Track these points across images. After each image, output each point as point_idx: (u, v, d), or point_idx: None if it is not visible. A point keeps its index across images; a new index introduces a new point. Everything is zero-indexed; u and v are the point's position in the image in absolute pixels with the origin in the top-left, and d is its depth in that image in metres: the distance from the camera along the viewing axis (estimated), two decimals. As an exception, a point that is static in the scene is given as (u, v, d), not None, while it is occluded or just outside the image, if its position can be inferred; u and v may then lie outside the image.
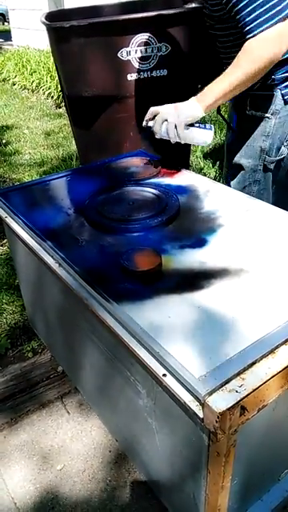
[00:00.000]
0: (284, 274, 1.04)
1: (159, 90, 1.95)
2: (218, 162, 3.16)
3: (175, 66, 1.91)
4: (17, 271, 1.77)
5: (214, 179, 2.91)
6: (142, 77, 1.88)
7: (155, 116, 1.45)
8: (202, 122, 1.46)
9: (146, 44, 1.82)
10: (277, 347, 0.83)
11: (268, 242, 1.16)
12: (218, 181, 2.84)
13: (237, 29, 1.31)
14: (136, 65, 1.85)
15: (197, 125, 1.45)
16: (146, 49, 1.82)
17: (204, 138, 1.46)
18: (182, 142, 1.46)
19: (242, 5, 1.25)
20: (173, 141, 1.46)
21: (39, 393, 1.60)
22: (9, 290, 2.08)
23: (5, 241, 2.42)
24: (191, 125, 1.44)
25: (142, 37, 1.80)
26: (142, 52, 1.83)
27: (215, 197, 1.41)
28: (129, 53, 1.81)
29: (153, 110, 1.46)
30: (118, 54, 1.81)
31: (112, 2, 2.36)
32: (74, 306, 1.20)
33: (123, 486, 1.31)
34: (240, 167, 1.62)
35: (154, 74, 1.89)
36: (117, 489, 1.30)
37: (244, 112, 1.52)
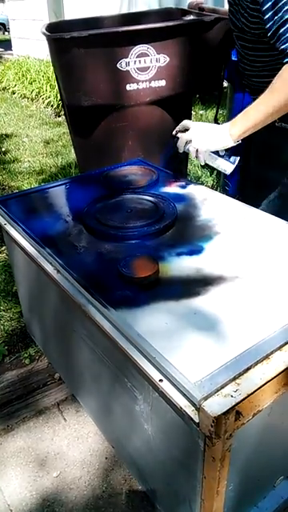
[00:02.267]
0: (279, 281, 1.05)
1: (158, 100, 1.98)
2: (215, 171, 3.19)
3: (173, 76, 1.94)
4: (15, 278, 1.78)
5: (212, 188, 2.94)
6: (140, 87, 1.91)
7: (185, 130, 1.41)
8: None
9: (145, 55, 1.85)
10: (271, 353, 0.84)
11: (263, 250, 1.18)
12: (216, 189, 2.86)
13: (273, 50, 1.25)
14: (135, 75, 1.88)
15: (222, 153, 1.42)
16: (144, 60, 1.86)
17: (225, 167, 1.43)
18: (202, 164, 1.44)
19: (283, 30, 1.18)
20: (193, 158, 1.43)
21: (36, 400, 1.60)
22: (6, 297, 2.09)
23: (3, 248, 2.43)
24: (216, 151, 1.41)
25: (141, 48, 1.83)
26: (140, 63, 1.86)
27: (212, 205, 1.43)
28: (128, 63, 1.85)
29: (185, 123, 1.41)
30: (118, 65, 1.84)
31: (112, 14, 2.40)
32: (71, 313, 1.21)
33: (119, 492, 1.31)
34: (263, 180, 1.58)
35: (152, 84, 1.92)
36: (113, 496, 1.30)
37: (272, 124, 1.39)
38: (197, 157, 1.40)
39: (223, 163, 1.43)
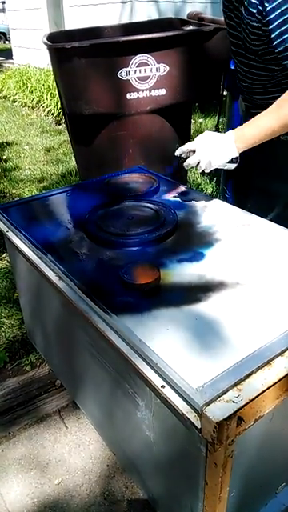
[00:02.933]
0: (279, 287, 1.06)
1: (158, 109, 2.01)
2: (215, 179, 3.21)
3: (173, 85, 1.97)
4: (16, 285, 1.79)
5: (211, 195, 2.96)
6: (141, 96, 1.93)
7: (190, 151, 1.41)
8: None
9: (145, 64, 1.87)
10: (273, 358, 0.85)
11: (264, 256, 1.19)
12: (215, 196, 2.88)
13: (278, 66, 1.27)
14: (135, 84, 1.90)
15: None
16: (145, 69, 1.88)
17: (228, 166, 1.43)
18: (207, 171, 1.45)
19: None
20: (199, 171, 1.44)
21: (37, 406, 1.60)
22: (8, 304, 2.09)
23: (4, 255, 2.44)
24: None
25: (142, 57, 1.86)
26: (141, 72, 1.88)
27: (212, 212, 1.44)
28: (128, 73, 1.87)
29: (190, 147, 1.41)
30: (118, 74, 1.87)
31: (112, 24, 2.43)
32: (73, 319, 1.22)
33: (121, 500, 1.30)
34: (266, 191, 1.58)
35: (152, 93, 1.95)
36: (115, 503, 1.30)
37: (277, 138, 1.37)
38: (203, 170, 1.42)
39: (226, 166, 1.43)
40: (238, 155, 1.36)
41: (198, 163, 1.39)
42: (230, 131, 1.37)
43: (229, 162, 1.39)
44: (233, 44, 1.42)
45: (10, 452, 1.45)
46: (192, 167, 1.43)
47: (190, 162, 1.40)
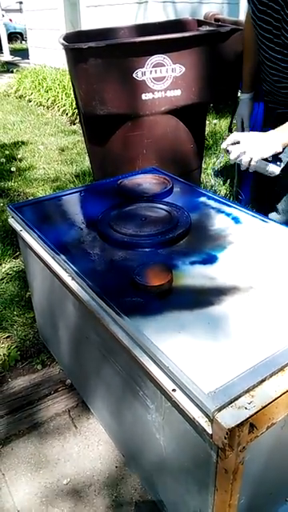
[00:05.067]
0: (294, 293, 1.04)
1: (173, 110, 2.00)
2: (228, 180, 3.18)
3: (189, 86, 1.96)
4: (29, 283, 1.80)
5: (225, 196, 2.93)
6: (156, 96, 1.93)
7: (235, 143, 1.44)
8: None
9: (161, 65, 1.87)
10: (286, 365, 0.84)
11: (278, 260, 1.17)
12: (229, 198, 2.86)
13: None
14: (151, 85, 1.90)
15: (270, 158, 1.45)
16: (160, 69, 1.88)
17: (273, 170, 1.47)
18: (250, 171, 1.47)
19: None
20: (242, 168, 1.47)
21: (47, 406, 1.60)
22: (20, 302, 2.11)
23: (18, 253, 2.46)
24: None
25: (157, 58, 1.85)
26: (156, 72, 1.88)
27: (226, 214, 1.43)
28: (144, 73, 1.87)
29: (235, 137, 1.44)
30: (134, 75, 1.86)
31: (128, 24, 2.43)
32: (84, 319, 1.22)
33: (129, 502, 1.30)
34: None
35: (168, 93, 1.94)
36: (123, 505, 1.29)
37: None
38: (248, 166, 1.44)
39: (272, 167, 1.47)
40: (280, 149, 1.39)
41: (244, 155, 1.40)
42: (272, 130, 1.41)
43: (272, 162, 1.42)
44: (265, 39, 1.43)
45: (19, 450, 1.46)
46: (237, 160, 1.44)
47: (239, 148, 1.40)
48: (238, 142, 1.42)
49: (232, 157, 1.43)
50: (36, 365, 1.77)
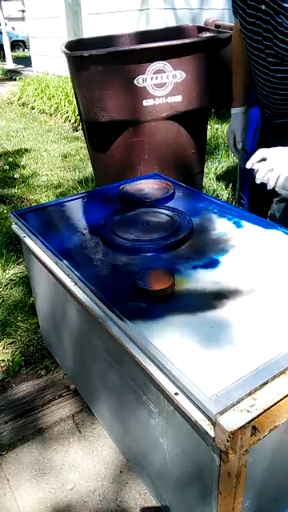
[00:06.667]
0: (296, 296, 1.05)
1: (174, 116, 2.01)
2: (230, 184, 3.19)
3: (190, 92, 1.97)
4: (33, 289, 1.81)
5: (227, 201, 2.94)
6: (157, 103, 1.94)
7: (262, 159, 1.33)
8: None
9: (162, 71, 1.89)
10: (288, 368, 0.84)
11: (280, 264, 1.18)
12: (231, 202, 2.87)
13: None
14: (152, 91, 1.92)
15: None
16: (161, 76, 1.89)
17: None
18: (277, 190, 1.35)
19: None
20: (269, 187, 1.34)
21: (51, 411, 1.61)
22: (24, 308, 2.12)
23: (21, 259, 2.47)
24: None
25: (158, 65, 1.87)
26: (157, 79, 1.89)
27: (228, 218, 1.43)
28: (145, 80, 1.89)
29: (261, 153, 1.33)
30: (135, 81, 1.88)
31: (129, 32, 2.45)
32: (87, 324, 1.23)
33: (134, 507, 1.30)
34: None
35: (168, 99, 1.95)
36: (127, 510, 1.29)
37: None
38: (276, 184, 1.32)
39: None
40: None
41: (271, 173, 1.29)
42: None
43: None
44: (257, 50, 1.40)
45: (24, 456, 1.46)
46: (264, 181, 1.32)
47: (266, 166, 1.30)
48: (265, 159, 1.31)
49: (259, 175, 1.31)
50: (40, 370, 1.78)
